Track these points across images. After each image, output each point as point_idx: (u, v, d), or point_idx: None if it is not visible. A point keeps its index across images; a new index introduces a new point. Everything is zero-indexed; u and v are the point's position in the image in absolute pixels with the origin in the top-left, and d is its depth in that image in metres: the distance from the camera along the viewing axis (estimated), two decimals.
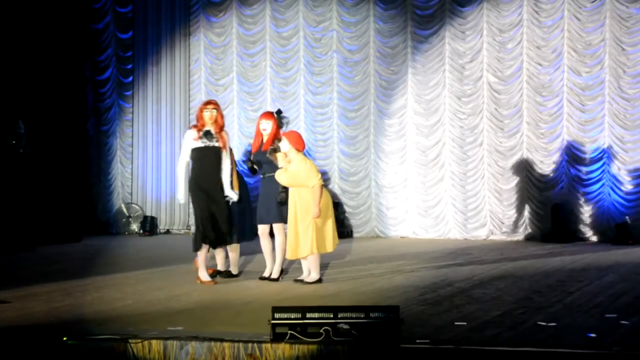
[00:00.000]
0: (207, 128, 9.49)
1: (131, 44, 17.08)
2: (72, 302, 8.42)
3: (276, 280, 9.68)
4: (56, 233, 14.72)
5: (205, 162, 9.46)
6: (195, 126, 9.58)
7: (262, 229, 9.77)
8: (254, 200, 10.73)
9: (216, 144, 9.46)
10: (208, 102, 9.71)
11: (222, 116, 9.60)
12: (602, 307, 7.84)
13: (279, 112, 10.13)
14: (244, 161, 10.12)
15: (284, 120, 10.18)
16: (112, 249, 13.74)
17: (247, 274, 10.42)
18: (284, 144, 9.37)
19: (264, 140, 9.75)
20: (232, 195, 9.58)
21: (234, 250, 10.13)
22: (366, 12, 15.82)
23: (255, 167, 9.90)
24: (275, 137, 9.63)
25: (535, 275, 10.21)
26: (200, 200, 9.49)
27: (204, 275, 9.57)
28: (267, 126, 9.75)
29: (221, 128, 9.53)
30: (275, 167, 9.50)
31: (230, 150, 9.93)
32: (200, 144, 9.45)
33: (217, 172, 9.48)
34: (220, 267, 10.15)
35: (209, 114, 9.49)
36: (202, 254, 9.55)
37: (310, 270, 9.47)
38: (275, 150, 9.43)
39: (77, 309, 8.03)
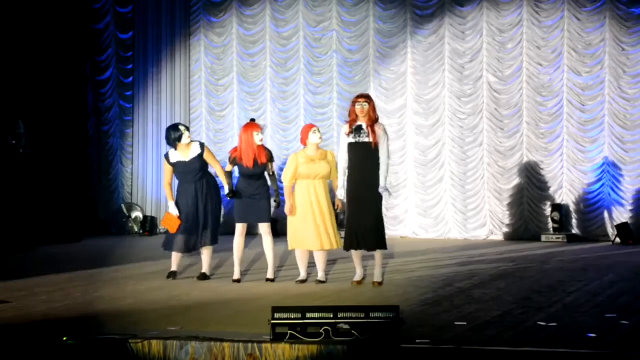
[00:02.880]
0: (358, 123, 9.13)
1: (131, 44, 17.09)
2: (72, 302, 8.42)
3: (273, 280, 9.75)
4: (56, 233, 14.72)
5: (356, 159, 9.16)
6: (347, 121, 9.27)
7: (243, 229, 9.79)
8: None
9: (366, 140, 9.09)
10: (359, 96, 9.29)
11: (373, 110, 9.13)
12: (602, 307, 7.84)
13: (253, 121, 10.01)
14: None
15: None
16: (112, 249, 13.74)
17: (247, 274, 10.42)
18: (316, 137, 9.43)
19: (257, 153, 9.63)
20: (384, 193, 9.14)
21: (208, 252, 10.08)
22: (366, 12, 15.83)
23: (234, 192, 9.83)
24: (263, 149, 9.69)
25: (535, 275, 10.21)
26: (350, 201, 9.23)
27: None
28: (262, 136, 9.71)
29: (373, 122, 9.10)
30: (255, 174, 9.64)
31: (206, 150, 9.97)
32: (351, 140, 9.16)
33: (366, 170, 9.10)
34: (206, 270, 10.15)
35: (359, 108, 9.09)
36: (355, 255, 9.38)
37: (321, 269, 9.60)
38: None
39: (77, 309, 8.03)
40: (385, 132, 9.23)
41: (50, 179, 15.07)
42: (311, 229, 9.40)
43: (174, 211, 9.90)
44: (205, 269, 10.05)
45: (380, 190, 9.16)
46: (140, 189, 16.99)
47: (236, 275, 9.78)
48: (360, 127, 9.14)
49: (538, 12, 14.85)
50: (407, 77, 15.58)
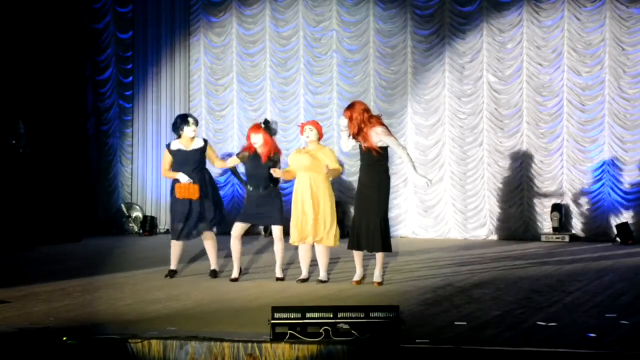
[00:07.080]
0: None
1: (131, 44, 17.08)
2: (72, 302, 8.42)
3: (282, 279, 9.75)
4: (56, 233, 14.71)
5: (362, 161, 9.28)
6: None
7: (242, 229, 9.77)
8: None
9: (365, 144, 9.12)
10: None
11: (357, 119, 9.10)
12: (602, 307, 7.84)
13: (266, 122, 9.98)
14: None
15: (273, 126, 10.05)
16: (112, 249, 13.74)
17: (247, 274, 10.42)
18: (314, 133, 9.53)
19: (260, 153, 9.69)
20: (423, 182, 9.22)
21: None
22: (366, 12, 15.82)
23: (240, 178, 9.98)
24: (272, 149, 9.65)
25: (535, 275, 10.21)
26: (356, 202, 9.42)
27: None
28: (257, 139, 9.67)
29: (361, 129, 9.09)
30: (262, 176, 9.59)
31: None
32: (355, 142, 9.31)
33: (370, 173, 9.17)
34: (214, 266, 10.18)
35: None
36: (357, 255, 9.45)
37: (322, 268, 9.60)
38: (276, 164, 9.58)
39: (77, 309, 8.03)
40: (385, 133, 9.17)
41: (50, 179, 15.05)
42: (295, 221, 9.50)
43: (184, 179, 9.82)
44: (213, 265, 10.08)
45: (417, 180, 9.44)
46: (140, 189, 16.99)
47: (234, 275, 9.81)
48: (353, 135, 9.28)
49: (538, 12, 14.85)
50: (407, 77, 15.58)
